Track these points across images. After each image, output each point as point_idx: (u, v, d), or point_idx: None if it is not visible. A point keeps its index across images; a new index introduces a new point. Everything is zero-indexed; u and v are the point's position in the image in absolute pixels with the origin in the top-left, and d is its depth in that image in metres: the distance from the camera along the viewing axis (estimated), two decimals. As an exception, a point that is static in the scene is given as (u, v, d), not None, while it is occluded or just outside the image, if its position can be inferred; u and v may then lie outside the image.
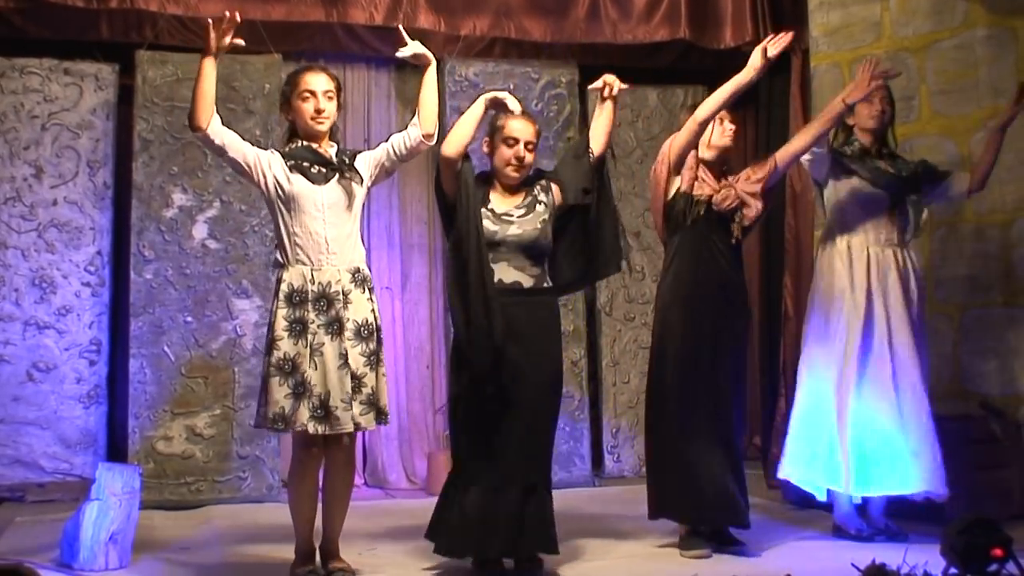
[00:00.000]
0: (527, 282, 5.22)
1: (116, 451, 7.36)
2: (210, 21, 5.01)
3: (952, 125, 6.90)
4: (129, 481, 5.35)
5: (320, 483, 5.13)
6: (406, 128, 5.28)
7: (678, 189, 5.68)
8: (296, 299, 4.93)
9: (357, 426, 4.94)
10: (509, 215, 5.25)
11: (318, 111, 5.08)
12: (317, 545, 5.17)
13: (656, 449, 5.67)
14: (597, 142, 5.45)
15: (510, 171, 5.31)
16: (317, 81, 5.12)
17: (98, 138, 7.42)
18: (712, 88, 8.36)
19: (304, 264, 4.98)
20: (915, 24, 7.11)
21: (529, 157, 5.33)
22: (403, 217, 8.30)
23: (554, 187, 5.40)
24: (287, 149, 5.13)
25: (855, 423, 5.76)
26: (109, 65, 7.52)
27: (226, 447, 7.31)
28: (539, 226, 5.26)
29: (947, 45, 6.96)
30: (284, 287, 4.96)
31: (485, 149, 5.43)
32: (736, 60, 8.24)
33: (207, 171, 7.45)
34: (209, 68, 4.99)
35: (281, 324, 4.92)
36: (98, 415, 7.32)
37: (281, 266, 5.03)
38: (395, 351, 8.04)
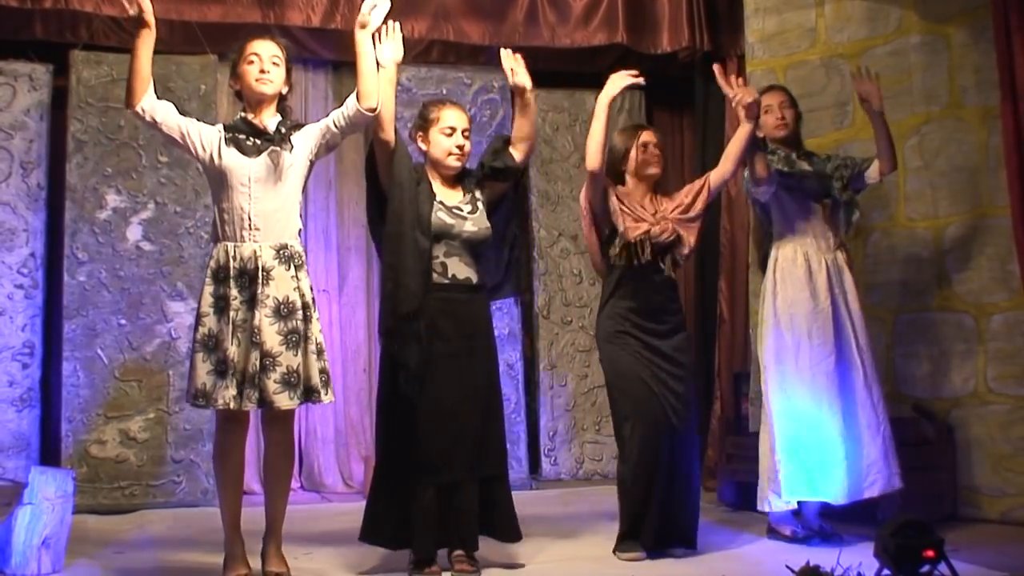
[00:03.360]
0: (475, 278, 5.29)
1: (49, 455, 7.26)
2: None
3: (886, 131, 6.97)
4: (62, 485, 5.30)
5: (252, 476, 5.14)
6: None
7: (613, 230, 5.70)
8: (221, 275, 4.91)
9: (267, 403, 4.85)
10: (460, 209, 5.30)
11: (262, 71, 5.02)
12: (259, 551, 5.11)
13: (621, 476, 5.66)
14: (518, 148, 5.49)
15: (452, 160, 5.35)
16: (263, 46, 5.07)
17: (32, 139, 7.32)
18: (649, 92, 8.48)
19: (229, 240, 4.95)
20: (849, 30, 7.18)
21: (468, 145, 5.39)
22: (340, 220, 8.25)
23: (479, 180, 5.47)
24: (232, 120, 5.12)
25: (837, 430, 5.79)
26: (43, 65, 7.42)
27: (160, 451, 7.25)
28: (487, 225, 5.35)
29: (881, 52, 7.03)
30: (212, 263, 4.96)
31: (420, 144, 5.43)
32: (672, 65, 8.36)
33: (142, 172, 7.39)
34: (142, 41, 4.91)
35: (207, 300, 4.92)
36: (31, 419, 7.23)
37: (213, 242, 5.04)
38: (332, 354, 7.99)
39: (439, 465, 5.12)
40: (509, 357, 8.00)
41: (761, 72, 7.49)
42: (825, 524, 5.96)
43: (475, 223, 5.30)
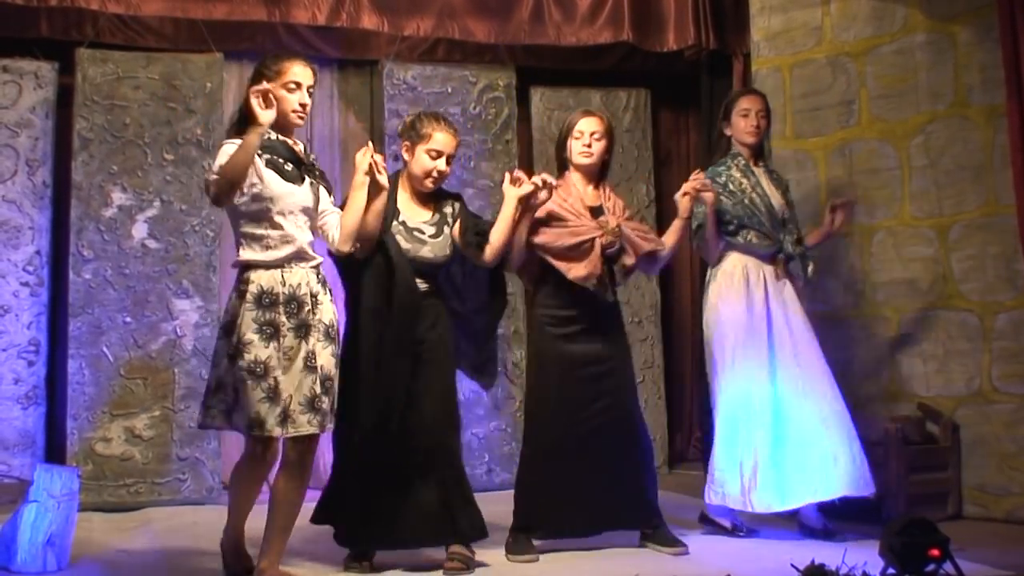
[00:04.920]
0: (426, 288, 5.35)
1: (54, 453, 7.27)
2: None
3: (891, 129, 6.96)
4: (67, 483, 5.30)
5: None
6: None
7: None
8: (266, 301, 4.75)
9: (323, 427, 4.84)
10: (420, 232, 5.31)
11: (302, 105, 4.91)
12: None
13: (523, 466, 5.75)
14: (493, 246, 5.42)
15: (428, 182, 5.35)
16: (305, 74, 4.93)
17: (37, 137, 7.33)
18: (654, 91, 8.48)
19: (274, 267, 4.81)
20: (855, 29, 7.17)
21: (447, 171, 5.37)
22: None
23: (457, 222, 5.43)
24: (267, 140, 4.84)
25: (776, 436, 5.86)
26: (49, 63, 7.42)
27: (166, 449, 7.25)
28: (448, 252, 5.35)
29: (887, 50, 7.02)
30: (253, 288, 4.77)
31: (404, 154, 5.40)
32: (678, 63, 8.35)
33: (147, 170, 7.39)
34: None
35: (250, 326, 4.73)
36: (36, 416, 7.24)
37: (249, 267, 4.85)
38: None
39: (384, 467, 5.18)
40: (514, 356, 8.00)
41: (767, 71, 7.48)
42: (829, 522, 5.97)
43: (433, 249, 5.29)
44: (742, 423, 5.89)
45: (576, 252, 5.57)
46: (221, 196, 4.71)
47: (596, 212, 5.70)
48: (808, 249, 6.23)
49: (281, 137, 4.93)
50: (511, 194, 5.38)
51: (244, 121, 4.79)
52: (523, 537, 5.58)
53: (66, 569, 5.25)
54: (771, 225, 6.09)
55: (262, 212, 4.82)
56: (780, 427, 5.86)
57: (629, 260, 5.73)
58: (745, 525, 6.04)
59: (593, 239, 5.58)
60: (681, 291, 9.11)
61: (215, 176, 4.67)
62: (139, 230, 7.36)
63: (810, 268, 6.19)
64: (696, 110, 8.78)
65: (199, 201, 7.39)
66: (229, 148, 4.73)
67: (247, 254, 4.87)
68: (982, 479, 6.53)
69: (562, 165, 5.84)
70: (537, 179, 5.42)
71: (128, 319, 7.28)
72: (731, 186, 6.10)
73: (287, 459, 4.88)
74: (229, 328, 4.80)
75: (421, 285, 5.26)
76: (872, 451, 6.26)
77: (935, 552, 4.52)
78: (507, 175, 5.50)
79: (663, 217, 8.24)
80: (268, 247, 4.83)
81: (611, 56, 8.56)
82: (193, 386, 7.25)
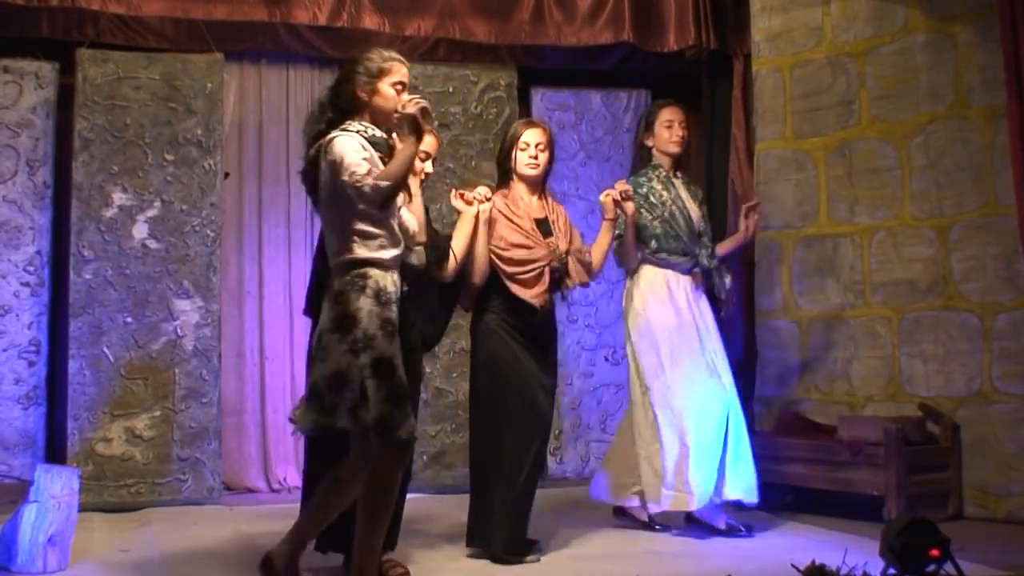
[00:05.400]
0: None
1: (55, 453, 7.27)
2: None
3: (892, 130, 6.96)
4: (68, 483, 5.30)
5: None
6: None
7: None
8: (383, 299, 4.63)
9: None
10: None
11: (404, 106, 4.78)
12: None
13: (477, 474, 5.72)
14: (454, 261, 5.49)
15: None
16: (406, 76, 4.87)
17: (38, 137, 7.33)
18: (655, 91, 8.48)
19: (387, 267, 4.69)
20: (856, 29, 7.18)
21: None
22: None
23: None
24: (369, 135, 4.72)
25: (708, 436, 5.98)
26: (49, 63, 7.42)
27: (166, 449, 7.25)
28: (425, 261, 5.30)
29: (887, 50, 7.02)
30: (372, 284, 4.61)
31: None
32: (679, 63, 8.35)
33: (148, 171, 7.39)
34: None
35: (375, 323, 4.57)
36: (37, 416, 7.24)
37: (365, 263, 4.64)
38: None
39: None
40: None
41: (767, 71, 7.49)
42: (731, 519, 6.12)
43: (418, 256, 5.24)
44: (673, 424, 5.98)
45: (526, 274, 5.60)
46: (389, 202, 4.62)
47: (542, 224, 5.72)
48: (721, 261, 6.37)
49: (383, 135, 4.82)
50: (468, 213, 5.47)
51: (347, 110, 4.76)
52: (523, 538, 5.59)
53: (66, 569, 5.24)
54: (689, 239, 6.23)
55: (374, 217, 4.67)
56: (710, 427, 5.98)
57: (570, 283, 5.78)
58: (658, 520, 6.21)
59: (543, 268, 5.62)
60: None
61: (386, 183, 4.52)
62: (139, 230, 7.36)
63: (727, 280, 6.36)
64: (696, 110, 8.75)
65: (199, 201, 7.39)
66: (355, 145, 4.60)
67: (363, 252, 4.66)
68: (982, 479, 6.53)
69: (505, 175, 5.83)
70: (479, 193, 5.53)
71: (129, 319, 7.28)
72: (652, 198, 6.22)
73: (389, 461, 4.66)
74: (345, 323, 4.58)
75: (404, 287, 5.18)
76: (872, 451, 6.28)
77: (935, 552, 4.52)
78: (452, 192, 5.60)
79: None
80: (382, 246, 4.68)
81: (612, 56, 8.56)
82: (193, 386, 7.26)
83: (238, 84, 8.09)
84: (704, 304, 6.26)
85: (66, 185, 7.37)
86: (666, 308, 6.12)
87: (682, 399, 5.97)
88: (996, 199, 6.52)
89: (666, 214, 6.18)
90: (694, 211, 6.30)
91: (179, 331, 7.36)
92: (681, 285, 6.19)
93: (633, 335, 6.19)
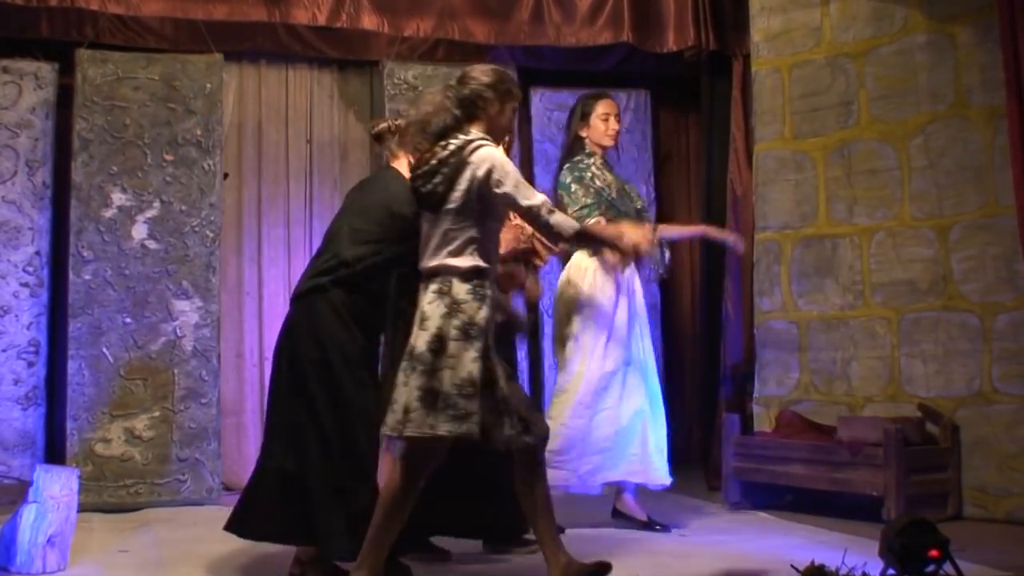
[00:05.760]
0: None
1: (54, 453, 7.28)
2: None
3: (891, 130, 6.96)
4: (67, 484, 5.29)
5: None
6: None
7: None
8: (495, 308, 4.66)
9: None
10: None
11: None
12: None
13: None
14: None
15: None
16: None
17: (37, 137, 7.33)
18: (654, 92, 8.47)
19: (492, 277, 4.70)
20: (855, 29, 7.17)
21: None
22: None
23: None
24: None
25: (633, 417, 6.10)
26: (49, 64, 7.43)
27: (166, 449, 7.25)
28: None
29: (886, 51, 7.02)
30: (491, 294, 4.60)
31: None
32: (678, 64, 8.36)
33: (147, 171, 7.38)
34: None
35: (493, 333, 4.58)
36: (36, 417, 7.25)
37: (482, 273, 4.56)
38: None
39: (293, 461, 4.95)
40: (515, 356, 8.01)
41: (766, 71, 7.49)
42: (651, 514, 6.25)
43: None
44: (603, 403, 6.04)
45: (513, 259, 5.63)
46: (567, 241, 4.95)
47: None
48: (662, 239, 6.43)
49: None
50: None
51: (470, 115, 4.71)
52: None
53: (65, 570, 5.23)
54: (636, 217, 6.26)
55: (495, 229, 4.73)
56: (634, 409, 6.08)
57: (539, 262, 5.83)
58: (659, 520, 6.20)
59: (527, 251, 5.67)
60: (681, 292, 9.12)
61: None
62: (139, 231, 7.36)
63: (666, 256, 6.47)
64: (696, 111, 8.79)
65: (199, 202, 7.39)
66: (512, 166, 4.64)
67: (479, 261, 4.59)
68: (982, 480, 6.53)
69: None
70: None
71: (128, 320, 7.28)
72: (597, 182, 6.24)
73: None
74: (470, 332, 4.51)
75: None
76: (872, 451, 6.27)
77: (935, 553, 4.51)
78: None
79: (663, 218, 8.26)
80: (489, 260, 4.63)
81: (611, 57, 8.57)
82: (193, 387, 7.26)
83: (237, 84, 8.10)
84: (638, 287, 6.28)
85: (65, 185, 7.37)
86: (600, 292, 6.11)
87: (600, 382, 6.04)
88: (996, 199, 6.51)
89: (614, 194, 6.22)
90: (634, 190, 6.46)
91: (178, 331, 7.36)
92: (627, 276, 6.22)
93: (568, 309, 6.18)
